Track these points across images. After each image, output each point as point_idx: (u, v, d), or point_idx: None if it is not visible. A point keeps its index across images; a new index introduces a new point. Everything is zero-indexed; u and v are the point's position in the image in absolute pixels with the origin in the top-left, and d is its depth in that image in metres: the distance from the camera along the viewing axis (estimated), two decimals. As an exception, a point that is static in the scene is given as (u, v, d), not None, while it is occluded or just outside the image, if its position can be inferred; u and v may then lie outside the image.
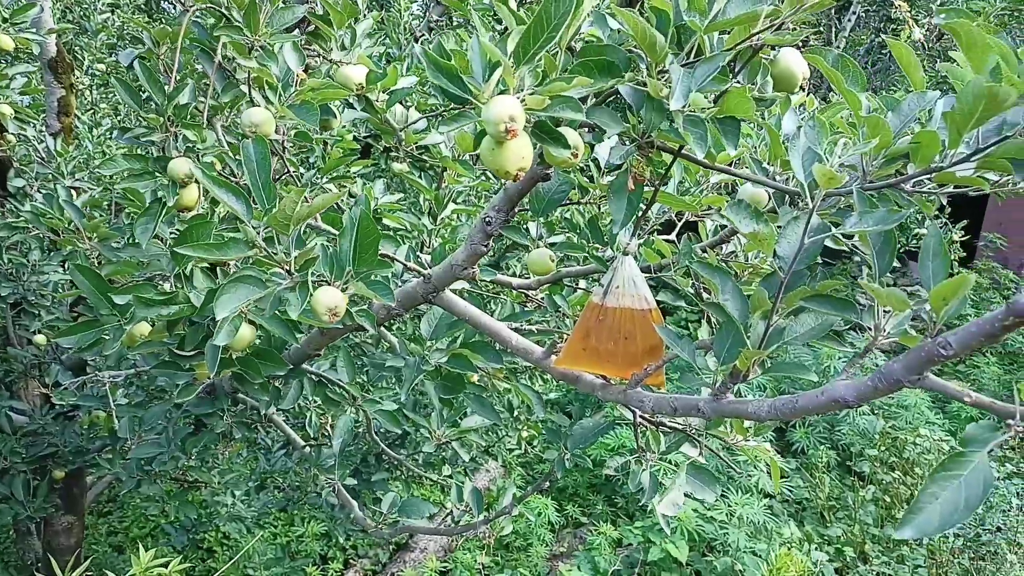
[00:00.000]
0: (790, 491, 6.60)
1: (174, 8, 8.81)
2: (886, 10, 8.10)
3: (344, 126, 1.73)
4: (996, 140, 0.96)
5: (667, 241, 1.74)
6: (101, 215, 2.06)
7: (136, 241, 1.62)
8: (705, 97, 0.90)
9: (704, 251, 1.67)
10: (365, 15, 1.59)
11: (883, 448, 6.91)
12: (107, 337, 1.80)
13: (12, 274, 3.23)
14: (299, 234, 1.11)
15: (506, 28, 1.78)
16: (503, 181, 1.18)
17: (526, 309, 1.79)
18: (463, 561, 6.00)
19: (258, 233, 1.07)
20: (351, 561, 6.39)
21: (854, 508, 6.41)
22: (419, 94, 2.27)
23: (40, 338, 3.43)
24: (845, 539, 6.11)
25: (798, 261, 0.91)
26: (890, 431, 6.97)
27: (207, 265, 1.60)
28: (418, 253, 1.88)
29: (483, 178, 2.13)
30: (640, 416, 1.47)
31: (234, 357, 1.49)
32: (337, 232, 1.42)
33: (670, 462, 1.49)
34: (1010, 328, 0.70)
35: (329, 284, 1.15)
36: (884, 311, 0.87)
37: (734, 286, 1.00)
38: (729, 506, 5.80)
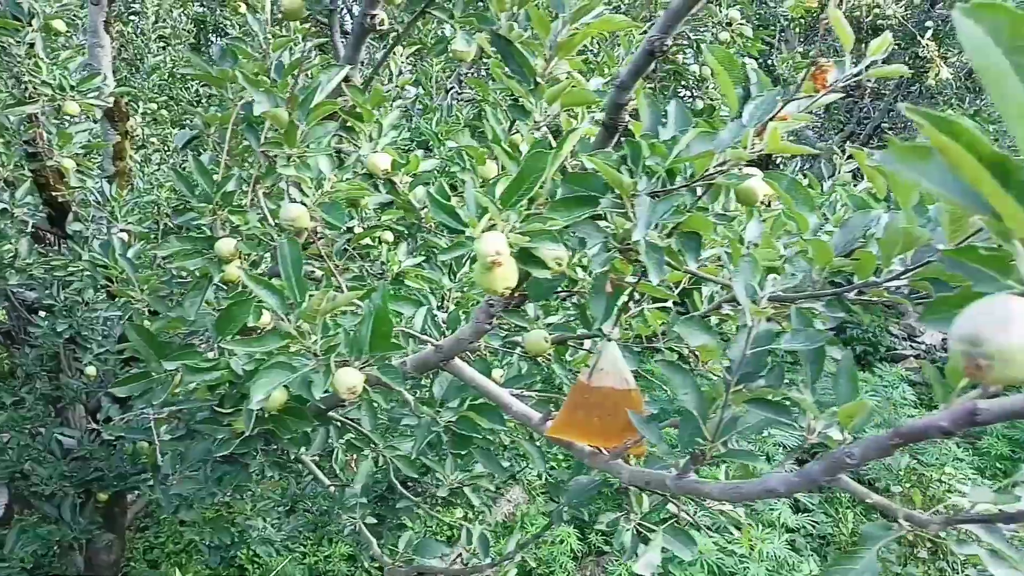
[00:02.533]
0: (813, 526, 6.61)
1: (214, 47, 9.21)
2: (914, 48, 8.16)
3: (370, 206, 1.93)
4: (924, 262, 1.10)
5: (662, 310, 1.91)
6: (153, 271, 2.29)
7: (184, 306, 1.83)
8: (665, 227, 1.07)
9: (704, 318, 1.82)
10: (392, 106, 1.80)
11: (908, 484, 6.89)
12: (156, 388, 2.01)
13: (67, 311, 3.50)
14: (324, 321, 1.30)
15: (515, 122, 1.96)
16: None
17: (531, 371, 1.96)
18: (485, 588, 6.11)
19: (291, 324, 1.27)
20: (376, 583, 6.53)
21: (876, 546, 6.40)
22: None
23: (91, 369, 3.69)
24: (866, 577, 6.10)
25: (744, 366, 1.07)
26: (915, 467, 6.94)
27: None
28: (435, 313, 2.06)
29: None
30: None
31: (266, 416, 1.69)
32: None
33: (658, 520, 1.63)
34: (896, 446, 0.85)
35: (348, 364, 1.33)
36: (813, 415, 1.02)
37: (692, 383, 1.15)
38: (750, 540, 5.83)
